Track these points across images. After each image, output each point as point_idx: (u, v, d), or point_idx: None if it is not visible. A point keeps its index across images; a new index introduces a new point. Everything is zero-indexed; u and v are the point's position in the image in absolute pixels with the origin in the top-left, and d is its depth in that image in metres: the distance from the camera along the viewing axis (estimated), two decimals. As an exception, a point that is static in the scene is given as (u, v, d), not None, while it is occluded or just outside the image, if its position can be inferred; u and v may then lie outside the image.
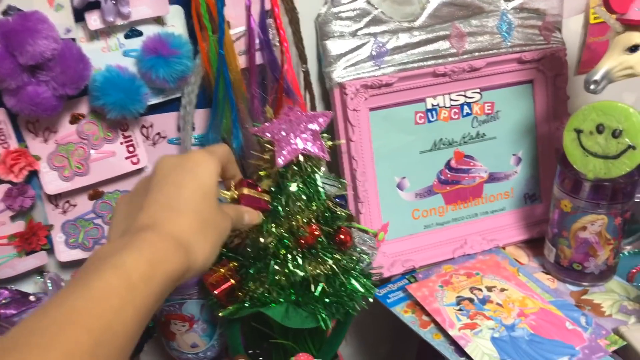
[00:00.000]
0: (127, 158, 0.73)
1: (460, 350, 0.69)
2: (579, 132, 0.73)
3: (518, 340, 0.70)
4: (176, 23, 0.70)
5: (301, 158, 0.62)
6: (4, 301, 0.69)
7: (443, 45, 0.81)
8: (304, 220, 0.64)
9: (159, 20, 0.69)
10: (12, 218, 0.70)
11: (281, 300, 0.67)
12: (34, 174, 0.70)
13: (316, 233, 0.65)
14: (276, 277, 0.65)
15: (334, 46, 0.77)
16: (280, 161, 0.61)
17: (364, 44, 0.78)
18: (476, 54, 0.83)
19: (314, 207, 0.64)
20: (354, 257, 0.70)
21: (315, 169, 0.64)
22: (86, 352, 0.38)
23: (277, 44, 0.73)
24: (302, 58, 0.76)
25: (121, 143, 0.73)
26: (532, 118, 0.89)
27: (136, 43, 0.68)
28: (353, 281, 0.68)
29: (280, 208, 0.63)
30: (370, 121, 0.80)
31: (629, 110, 0.69)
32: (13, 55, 0.60)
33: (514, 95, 0.87)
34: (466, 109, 0.85)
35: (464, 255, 0.86)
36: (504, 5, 0.83)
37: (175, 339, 0.78)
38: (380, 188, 0.83)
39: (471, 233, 0.88)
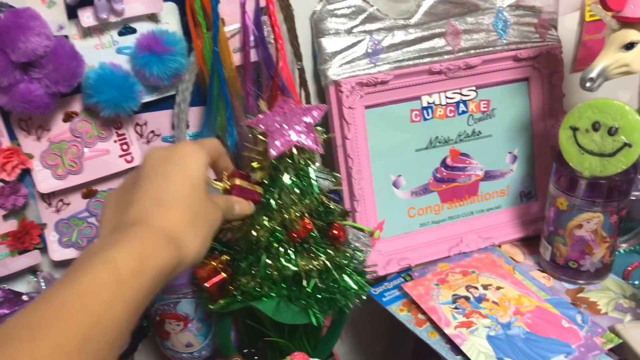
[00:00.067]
0: (121, 156, 0.73)
1: (456, 349, 0.69)
2: (574, 129, 0.73)
3: (514, 339, 0.70)
4: (170, 20, 0.69)
5: (295, 151, 0.62)
6: (-4, 301, 0.69)
7: (439, 42, 0.81)
8: (296, 214, 0.64)
9: (152, 17, 0.69)
10: (5, 217, 0.70)
11: (273, 294, 0.66)
12: (26, 173, 0.70)
13: (308, 227, 0.65)
14: (268, 272, 0.65)
15: (330, 44, 0.77)
16: (272, 152, 0.60)
17: (359, 42, 0.78)
18: (472, 51, 0.83)
19: (307, 201, 0.64)
20: (348, 254, 0.69)
21: (309, 162, 0.64)
22: (75, 347, 0.38)
23: (272, 41, 0.73)
24: (297, 55, 0.76)
25: (115, 141, 0.72)
26: (528, 116, 0.89)
27: (130, 40, 0.68)
28: (346, 278, 0.68)
29: (272, 201, 0.63)
30: (366, 119, 0.79)
31: (624, 108, 0.69)
32: (5, 53, 0.59)
33: (510, 93, 0.87)
34: (462, 107, 0.85)
35: (460, 254, 0.86)
36: (500, 3, 0.83)
37: (170, 338, 0.77)
38: (376, 186, 0.82)
39: (467, 231, 0.88)
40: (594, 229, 0.76)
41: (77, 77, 0.64)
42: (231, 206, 0.59)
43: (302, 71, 0.77)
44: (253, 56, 0.73)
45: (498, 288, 0.78)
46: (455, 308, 0.74)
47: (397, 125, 0.82)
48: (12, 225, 0.70)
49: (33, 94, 0.62)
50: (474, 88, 0.85)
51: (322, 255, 0.66)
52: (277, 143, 0.61)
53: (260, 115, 0.62)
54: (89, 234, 0.75)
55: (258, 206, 0.63)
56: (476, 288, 0.78)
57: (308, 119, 0.62)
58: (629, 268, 0.83)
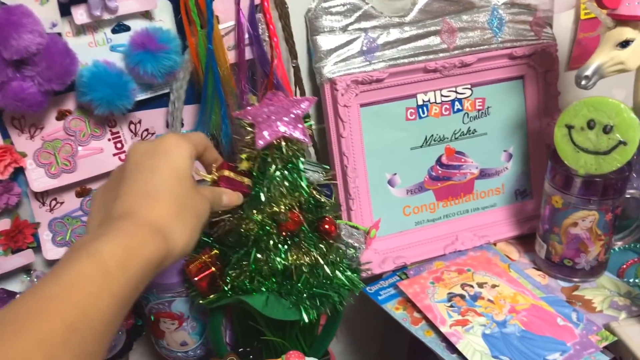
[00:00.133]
0: (115, 155, 0.73)
1: (451, 347, 0.69)
2: (570, 127, 0.73)
3: (509, 337, 0.70)
4: (164, 17, 0.69)
5: (283, 143, 0.62)
6: (-11, 300, 0.68)
7: (434, 40, 0.81)
8: (286, 206, 0.64)
9: (146, 15, 0.68)
10: (-2, 216, 0.69)
11: (263, 289, 0.66)
12: (19, 171, 0.69)
13: (297, 219, 0.64)
14: (258, 266, 0.65)
15: (325, 41, 0.76)
16: (260, 142, 0.60)
17: (354, 39, 0.77)
18: (467, 49, 0.82)
19: (297, 194, 0.64)
20: (341, 250, 0.69)
21: (298, 154, 0.63)
22: (60, 339, 0.38)
23: (267, 39, 0.73)
24: (292, 53, 0.76)
25: (109, 139, 0.72)
26: (523, 114, 0.89)
27: (124, 38, 0.67)
28: (339, 274, 0.68)
29: (262, 194, 0.63)
30: (361, 117, 0.79)
31: (620, 106, 0.69)
32: (-3, 50, 0.59)
33: (505, 91, 0.87)
34: (457, 105, 0.85)
35: (455, 252, 0.86)
36: (495, 1, 0.83)
37: (165, 337, 0.77)
38: (371, 184, 0.82)
39: (462, 229, 0.88)
40: (589, 227, 0.76)
41: (71, 75, 0.64)
42: (219, 197, 0.59)
43: (297, 69, 0.77)
44: (248, 54, 0.73)
45: (493, 286, 0.78)
46: (451, 306, 0.74)
47: (392, 123, 0.82)
48: (5, 224, 0.70)
49: (26, 91, 0.62)
50: (469, 86, 0.85)
51: (313, 250, 0.66)
52: (265, 134, 0.61)
53: (248, 107, 0.62)
54: (83, 233, 0.74)
55: (247, 197, 0.63)
56: (471, 286, 0.78)
57: (297, 111, 0.62)
58: (624, 266, 0.83)
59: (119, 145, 0.72)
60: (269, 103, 0.63)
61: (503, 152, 0.90)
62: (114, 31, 0.68)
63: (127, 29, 0.68)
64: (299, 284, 0.66)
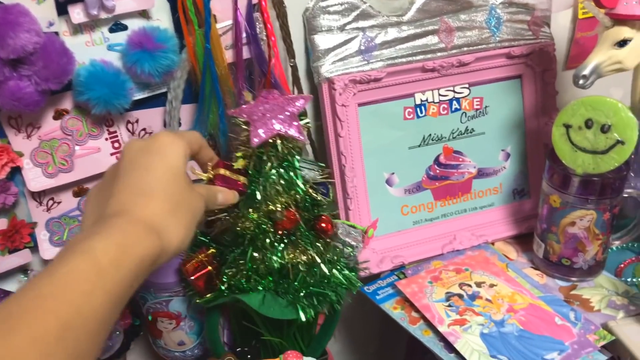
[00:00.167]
0: (112, 154, 0.72)
1: (449, 347, 0.69)
2: (567, 127, 0.73)
3: (507, 336, 0.70)
4: (162, 17, 0.69)
5: (278, 140, 0.62)
6: (-14, 300, 0.68)
7: (432, 40, 0.81)
8: (282, 205, 0.64)
9: (144, 14, 0.68)
10: (-5, 215, 0.69)
11: (260, 288, 0.66)
12: (16, 171, 0.69)
13: (292, 217, 0.64)
14: (254, 265, 0.65)
15: (322, 40, 0.76)
16: (255, 140, 0.60)
17: (352, 39, 0.77)
18: (465, 48, 0.82)
19: (292, 192, 0.64)
20: (338, 249, 0.69)
21: (293, 152, 0.63)
22: (54, 337, 0.38)
23: (265, 38, 0.73)
24: (290, 52, 0.75)
25: (106, 139, 0.72)
26: (521, 113, 0.89)
27: (121, 37, 0.67)
28: (336, 273, 0.68)
29: (257, 192, 0.62)
30: (359, 116, 0.79)
31: (617, 105, 0.69)
32: (-6, 49, 0.59)
33: (503, 91, 0.87)
34: (455, 105, 0.85)
35: (453, 251, 0.86)
36: (493, 0, 0.83)
37: (162, 337, 0.77)
38: (369, 184, 0.82)
39: (460, 229, 0.88)
40: (587, 227, 0.76)
41: (68, 74, 0.64)
42: (214, 195, 0.59)
43: (294, 68, 0.77)
44: (245, 53, 0.73)
45: (491, 286, 0.78)
46: (449, 306, 0.74)
47: (390, 122, 0.82)
48: (2, 224, 0.70)
49: (23, 91, 0.61)
50: (467, 85, 0.85)
51: (310, 248, 0.66)
52: (260, 131, 0.61)
53: (243, 105, 0.62)
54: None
55: (243, 196, 0.63)
56: (469, 286, 0.78)
57: (292, 109, 0.62)
58: (622, 265, 0.83)
59: (116, 144, 0.72)
60: (264, 101, 0.63)
61: (501, 152, 0.90)
62: (111, 30, 0.67)
63: (125, 28, 0.68)
64: (296, 283, 0.66)
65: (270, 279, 0.66)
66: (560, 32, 0.92)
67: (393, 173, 0.84)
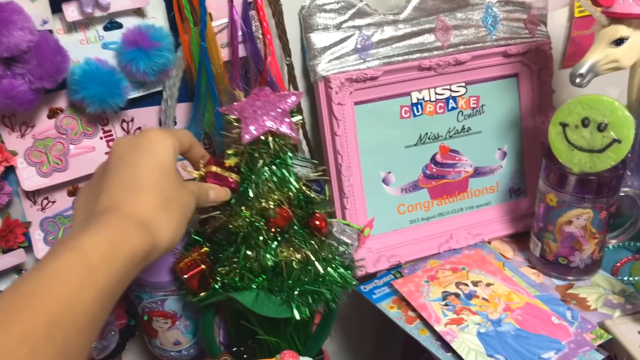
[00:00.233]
0: (107, 153, 0.72)
1: (446, 346, 0.69)
2: (564, 125, 0.72)
3: (504, 335, 0.70)
4: (157, 15, 0.69)
5: (270, 137, 0.61)
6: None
7: (428, 38, 0.81)
8: (275, 202, 0.63)
9: (139, 12, 0.68)
10: (-11, 215, 0.69)
11: (253, 286, 0.66)
12: (10, 170, 0.68)
13: (285, 215, 0.64)
14: (247, 263, 0.64)
15: (319, 39, 0.76)
16: (246, 137, 0.60)
17: (348, 37, 0.77)
18: (461, 47, 0.82)
19: (285, 190, 0.64)
20: (332, 247, 0.69)
21: (285, 149, 0.63)
22: (44, 333, 0.38)
23: (260, 36, 0.72)
24: (286, 51, 0.75)
25: (101, 138, 0.71)
26: (517, 112, 0.89)
27: (116, 35, 0.67)
28: (331, 271, 0.67)
29: (250, 189, 0.62)
30: (356, 115, 0.79)
31: (614, 104, 0.69)
32: (-13, 47, 0.58)
33: (499, 89, 0.87)
34: (451, 103, 0.85)
35: (450, 250, 0.86)
36: (489, -1, 0.83)
37: (158, 337, 0.77)
38: (366, 183, 0.82)
39: (457, 228, 0.88)
40: (584, 225, 0.76)
41: (62, 73, 0.63)
42: (205, 192, 0.59)
43: (290, 67, 0.76)
44: (241, 51, 0.72)
45: (488, 285, 0.78)
46: (446, 305, 0.74)
47: (386, 121, 0.82)
48: (-4, 223, 0.69)
49: (16, 89, 0.61)
50: (463, 84, 0.84)
51: (304, 246, 0.65)
52: (251, 128, 0.60)
53: (235, 103, 0.62)
54: (75, 232, 0.74)
55: (235, 193, 0.63)
56: (466, 285, 0.78)
57: (283, 106, 0.62)
58: (618, 264, 0.83)
59: (111, 143, 0.72)
60: (256, 98, 0.63)
61: (497, 150, 0.90)
62: (106, 28, 0.67)
63: (119, 26, 0.67)
64: (290, 281, 0.66)
65: (264, 277, 0.66)
66: (556, 31, 0.92)
67: (389, 172, 0.84)
